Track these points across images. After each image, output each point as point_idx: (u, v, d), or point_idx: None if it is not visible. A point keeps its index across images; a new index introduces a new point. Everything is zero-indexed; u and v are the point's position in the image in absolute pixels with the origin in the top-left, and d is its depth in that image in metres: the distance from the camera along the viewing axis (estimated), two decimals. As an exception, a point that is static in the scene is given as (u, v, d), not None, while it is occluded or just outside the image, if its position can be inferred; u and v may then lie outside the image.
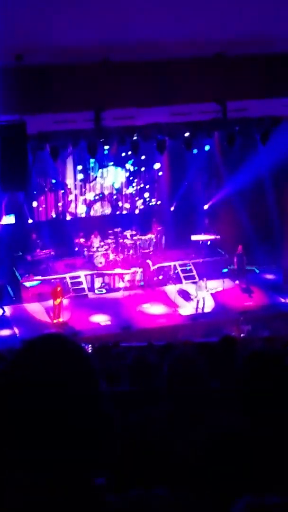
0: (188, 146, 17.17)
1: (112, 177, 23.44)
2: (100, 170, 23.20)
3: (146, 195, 24.02)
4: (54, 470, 1.41)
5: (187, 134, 16.96)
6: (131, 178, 23.68)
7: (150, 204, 24.14)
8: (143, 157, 22.16)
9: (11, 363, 1.48)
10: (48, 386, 1.42)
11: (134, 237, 22.78)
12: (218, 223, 23.19)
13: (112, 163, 22.82)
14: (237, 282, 21.72)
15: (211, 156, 22.64)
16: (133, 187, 23.82)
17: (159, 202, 24.12)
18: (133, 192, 23.87)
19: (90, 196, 23.32)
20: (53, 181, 22.56)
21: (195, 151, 20.29)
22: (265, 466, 2.69)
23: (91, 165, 22.88)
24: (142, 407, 3.85)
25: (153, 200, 24.11)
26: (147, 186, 23.97)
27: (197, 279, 21.11)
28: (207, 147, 18.99)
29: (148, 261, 21.50)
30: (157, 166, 23.51)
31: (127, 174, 23.55)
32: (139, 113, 15.82)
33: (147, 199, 24.10)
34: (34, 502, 1.40)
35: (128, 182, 23.75)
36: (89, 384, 1.47)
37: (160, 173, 23.64)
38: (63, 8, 11.10)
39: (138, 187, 23.89)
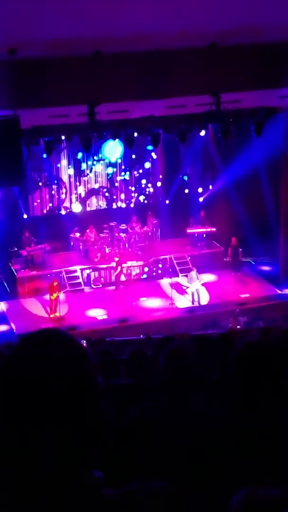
0: (182, 139, 17.15)
1: (106, 171, 23.43)
2: (94, 164, 23.19)
3: (142, 186, 24.00)
4: (51, 464, 1.41)
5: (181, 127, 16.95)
6: (126, 171, 23.66)
7: (145, 197, 24.11)
8: (133, 156, 22.19)
9: (8, 359, 1.48)
10: (46, 381, 1.42)
11: (130, 231, 22.79)
12: (213, 215, 23.20)
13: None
14: (233, 274, 21.76)
15: (206, 148, 22.64)
16: (128, 180, 23.80)
17: (154, 189, 24.12)
18: (130, 188, 23.86)
19: (84, 190, 23.30)
20: (45, 176, 22.54)
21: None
22: (261, 457, 2.69)
23: (92, 161, 22.88)
24: (139, 400, 3.85)
25: (148, 188, 24.06)
26: (143, 181, 23.96)
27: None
28: (202, 133, 18.91)
29: (116, 258, 21.44)
30: (147, 165, 23.52)
31: (122, 166, 23.54)
32: (133, 106, 15.78)
33: (143, 192, 24.07)
34: (31, 496, 1.40)
35: (124, 176, 23.74)
36: (86, 379, 1.47)
37: (148, 165, 23.55)
38: (55, 0, 11.05)
39: (134, 181, 23.88)
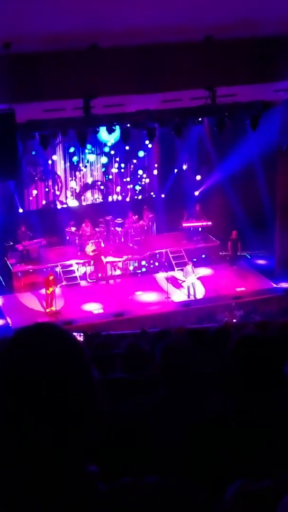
0: (178, 132, 17.13)
1: (102, 165, 23.41)
2: (90, 158, 23.17)
3: (138, 177, 23.98)
4: (46, 458, 1.41)
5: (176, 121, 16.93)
6: (121, 165, 23.64)
7: (141, 191, 24.09)
8: (127, 148, 22.11)
9: (1, 353, 1.47)
10: (40, 375, 1.42)
11: (125, 225, 22.78)
12: (209, 209, 23.20)
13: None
14: (229, 267, 21.79)
15: (201, 142, 22.63)
16: (123, 173, 23.79)
17: (149, 182, 24.11)
18: (125, 180, 23.85)
19: (79, 184, 23.28)
20: (40, 170, 22.49)
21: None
22: (256, 450, 2.70)
23: (85, 154, 22.84)
24: (135, 394, 3.86)
25: (144, 179, 24.03)
26: (140, 172, 23.93)
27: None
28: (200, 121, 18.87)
29: (102, 256, 21.37)
30: (141, 154, 23.45)
31: (117, 159, 23.52)
32: (129, 100, 15.75)
33: (139, 186, 24.06)
34: (26, 490, 1.41)
35: (119, 169, 23.72)
36: (81, 373, 1.47)
37: (142, 153, 23.48)
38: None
39: (129, 174, 23.87)
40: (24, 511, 1.40)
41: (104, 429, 2.93)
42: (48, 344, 1.47)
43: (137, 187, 24.00)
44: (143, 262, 21.88)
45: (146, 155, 23.73)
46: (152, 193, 24.12)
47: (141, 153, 22.84)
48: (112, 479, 1.54)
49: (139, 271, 21.77)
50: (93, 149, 22.79)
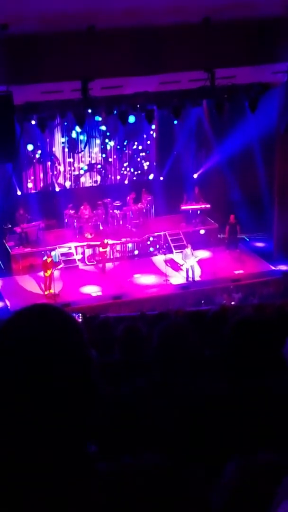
0: (176, 115, 17.06)
1: (100, 147, 23.33)
2: (87, 141, 23.08)
3: (137, 160, 23.90)
4: (45, 439, 1.42)
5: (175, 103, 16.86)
6: (118, 147, 23.56)
7: (139, 173, 24.03)
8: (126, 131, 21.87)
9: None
10: (38, 354, 1.42)
11: (124, 207, 22.74)
12: (208, 192, 23.16)
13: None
14: (227, 251, 21.78)
15: (200, 124, 22.54)
16: (122, 156, 23.72)
17: (148, 165, 24.05)
18: (124, 164, 23.78)
19: (78, 166, 23.22)
20: (38, 153, 22.38)
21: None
22: (253, 432, 2.73)
23: (80, 137, 22.73)
24: (133, 376, 3.88)
25: (143, 161, 23.97)
26: (141, 154, 23.87)
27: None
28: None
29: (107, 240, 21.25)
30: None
31: (115, 143, 23.44)
32: (127, 82, 15.68)
33: (137, 168, 24.00)
34: (25, 471, 1.42)
35: (117, 152, 23.64)
36: (78, 354, 1.47)
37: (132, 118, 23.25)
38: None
39: (128, 157, 23.80)
40: (23, 492, 1.41)
41: (103, 410, 2.95)
42: (45, 323, 1.47)
43: (136, 170, 23.88)
44: (149, 242, 21.75)
45: (144, 138, 23.63)
46: (151, 175, 24.04)
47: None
48: (111, 459, 1.55)
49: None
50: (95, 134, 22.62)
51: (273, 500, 1.46)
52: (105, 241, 20.98)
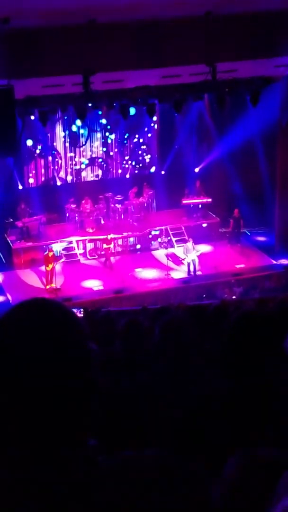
0: (178, 108, 17.03)
1: (101, 141, 23.31)
2: (89, 135, 23.06)
3: (138, 153, 23.87)
4: (45, 432, 1.42)
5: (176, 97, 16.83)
6: (119, 141, 23.53)
7: (141, 167, 24.01)
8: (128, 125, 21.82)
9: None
10: (36, 349, 1.42)
11: (125, 202, 22.73)
12: (209, 186, 23.14)
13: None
14: (229, 245, 21.79)
15: (201, 118, 22.51)
16: (123, 150, 23.70)
17: (149, 159, 24.02)
18: (125, 158, 23.76)
19: (80, 160, 23.21)
20: (39, 147, 22.36)
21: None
22: (255, 427, 2.73)
23: (81, 130, 22.71)
24: (134, 370, 3.89)
25: (146, 157, 23.94)
26: (142, 147, 23.84)
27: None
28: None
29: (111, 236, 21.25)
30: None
31: (115, 137, 23.41)
32: (129, 76, 15.65)
33: (139, 162, 23.98)
34: (26, 464, 1.42)
35: (118, 145, 23.62)
36: (77, 348, 1.47)
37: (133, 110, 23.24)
38: None
39: (129, 151, 23.78)
40: (24, 485, 1.41)
41: (104, 404, 2.95)
42: (44, 317, 1.47)
43: (137, 163, 23.86)
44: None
45: (146, 132, 23.60)
46: (152, 169, 24.02)
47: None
48: (112, 453, 1.55)
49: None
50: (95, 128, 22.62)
51: (273, 496, 1.46)
52: (108, 236, 20.98)
